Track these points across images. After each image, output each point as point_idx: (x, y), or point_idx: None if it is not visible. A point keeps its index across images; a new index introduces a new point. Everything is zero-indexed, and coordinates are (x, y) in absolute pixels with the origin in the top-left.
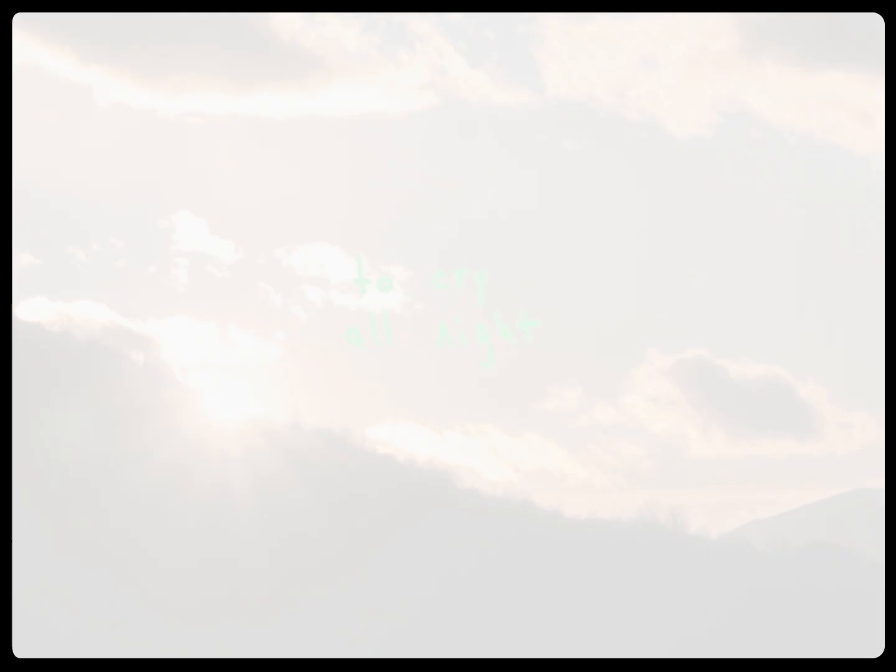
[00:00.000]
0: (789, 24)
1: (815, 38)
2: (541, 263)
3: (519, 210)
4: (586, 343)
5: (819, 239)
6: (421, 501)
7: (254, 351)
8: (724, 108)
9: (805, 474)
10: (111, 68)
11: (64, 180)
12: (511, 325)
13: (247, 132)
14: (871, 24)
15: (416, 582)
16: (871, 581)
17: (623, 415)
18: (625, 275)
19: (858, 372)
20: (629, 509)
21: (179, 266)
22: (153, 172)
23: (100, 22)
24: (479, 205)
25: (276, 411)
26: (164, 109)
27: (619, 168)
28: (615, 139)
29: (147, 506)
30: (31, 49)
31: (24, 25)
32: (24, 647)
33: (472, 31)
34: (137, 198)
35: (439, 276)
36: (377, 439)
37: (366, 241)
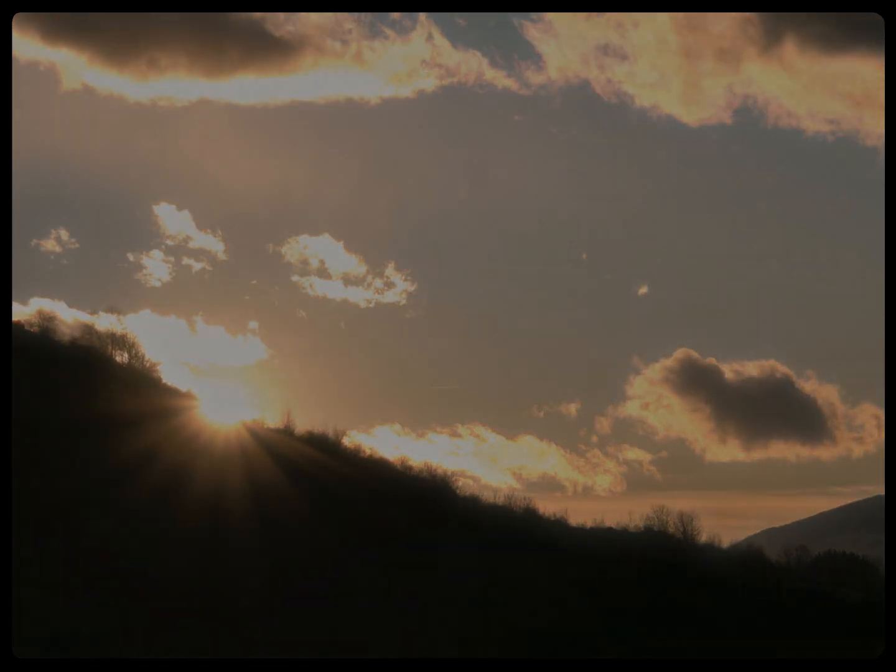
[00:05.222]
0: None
1: (835, 22)
2: (541, 263)
3: (519, 206)
4: (585, 345)
5: (823, 234)
6: (420, 507)
7: (247, 351)
8: (737, 94)
9: (819, 480)
10: (77, 48)
11: (33, 169)
12: (509, 325)
13: (224, 119)
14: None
15: (415, 587)
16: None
17: (624, 419)
18: (629, 271)
19: (869, 367)
20: (636, 516)
21: (161, 260)
22: (127, 160)
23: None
24: (478, 202)
25: (267, 414)
26: (133, 93)
27: (623, 161)
28: (619, 129)
29: (144, 508)
30: None
31: None
32: (24, 647)
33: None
34: (113, 188)
35: (439, 276)
36: (373, 443)
37: (363, 238)
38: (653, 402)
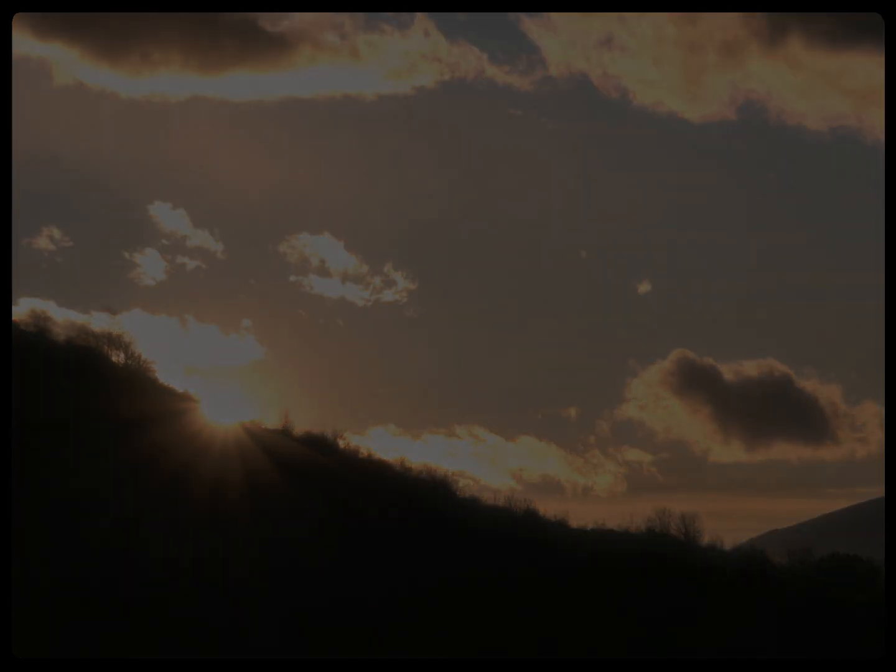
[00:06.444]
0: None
1: (839, 18)
2: (541, 263)
3: (518, 204)
4: (583, 348)
5: (823, 232)
6: (419, 508)
7: (241, 350)
8: (740, 90)
9: (822, 481)
10: (69, 44)
11: (24, 166)
12: (509, 324)
13: (219, 116)
14: None
15: (415, 587)
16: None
17: (623, 421)
18: (628, 269)
19: (869, 365)
20: (638, 518)
21: (158, 258)
22: (120, 157)
23: None
24: (477, 200)
25: (265, 415)
26: (126, 89)
27: (623, 158)
28: (619, 125)
29: (143, 510)
30: None
31: None
32: (24, 647)
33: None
34: (107, 185)
35: (438, 275)
36: (369, 444)
37: (363, 237)
38: (650, 403)
